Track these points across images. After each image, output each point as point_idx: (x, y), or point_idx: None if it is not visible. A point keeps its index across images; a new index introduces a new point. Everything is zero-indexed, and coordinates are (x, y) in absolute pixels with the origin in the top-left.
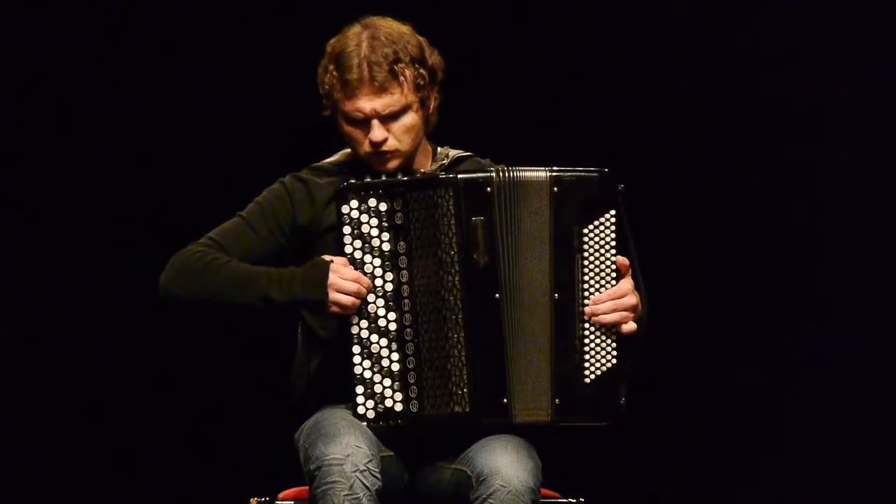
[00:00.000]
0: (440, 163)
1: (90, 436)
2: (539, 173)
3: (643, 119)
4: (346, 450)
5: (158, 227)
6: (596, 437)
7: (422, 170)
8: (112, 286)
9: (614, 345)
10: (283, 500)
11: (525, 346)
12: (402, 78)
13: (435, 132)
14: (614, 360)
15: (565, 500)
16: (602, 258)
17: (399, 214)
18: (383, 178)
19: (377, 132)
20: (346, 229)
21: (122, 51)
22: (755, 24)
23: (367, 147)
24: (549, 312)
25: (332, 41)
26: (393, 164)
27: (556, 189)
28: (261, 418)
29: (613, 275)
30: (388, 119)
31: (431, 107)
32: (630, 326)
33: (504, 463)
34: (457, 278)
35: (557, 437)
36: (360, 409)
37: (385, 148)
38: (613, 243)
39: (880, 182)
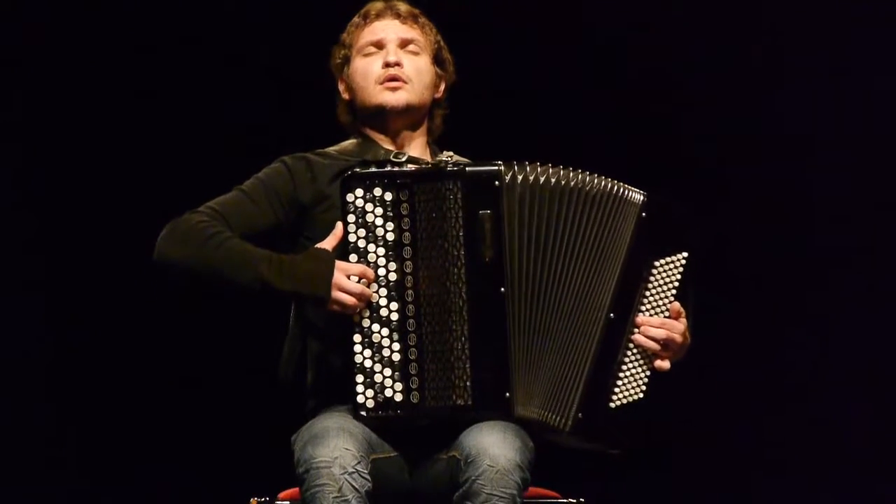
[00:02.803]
0: (444, 159)
1: (90, 436)
2: (634, 194)
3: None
4: (334, 452)
5: (156, 223)
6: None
7: (424, 162)
8: (111, 286)
9: (646, 380)
10: (282, 500)
11: (551, 348)
12: (423, 29)
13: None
14: (640, 395)
15: (565, 500)
16: (662, 295)
17: (405, 205)
18: (388, 167)
19: (392, 55)
20: (351, 217)
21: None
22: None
23: (378, 72)
24: (599, 328)
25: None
26: (400, 97)
27: (644, 214)
28: (261, 418)
29: (666, 313)
30: (404, 47)
31: (441, 89)
32: (664, 364)
33: (490, 442)
34: (462, 271)
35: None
36: (360, 399)
37: (397, 73)
38: (677, 283)
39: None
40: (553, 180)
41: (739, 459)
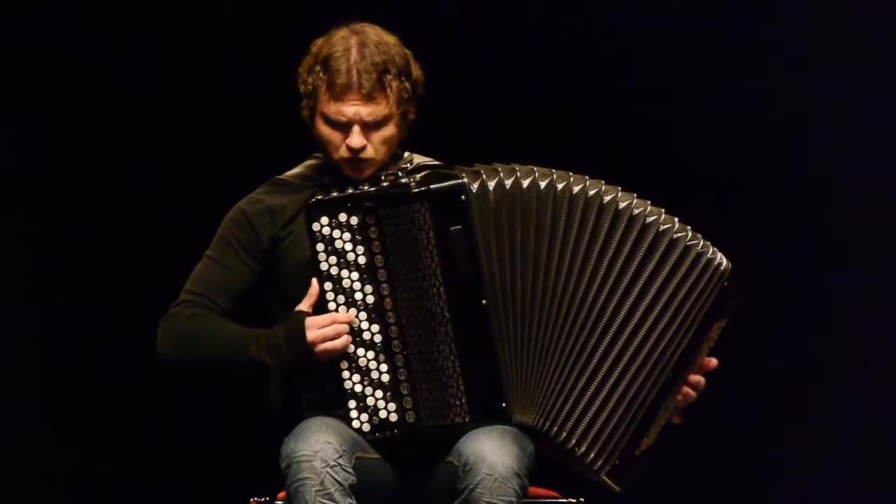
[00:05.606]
0: (403, 167)
1: (89, 437)
2: (724, 261)
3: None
4: (315, 446)
5: (150, 232)
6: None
7: (383, 173)
8: (109, 289)
9: (661, 429)
10: (282, 500)
11: (553, 357)
12: (388, 90)
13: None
14: (654, 442)
15: (565, 501)
16: (704, 352)
17: (373, 228)
18: (350, 190)
19: (357, 139)
20: (320, 246)
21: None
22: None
23: (343, 152)
24: (660, 383)
25: (318, 42)
26: (366, 172)
27: (726, 284)
28: (260, 419)
29: (699, 369)
30: (369, 127)
31: (409, 120)
32: (682, 419)
33: (488, 450)
34: (441, 289)
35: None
36: (356, 424)
37: (362, 155)
38: (712, 345)
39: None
40: (543, 184)
41: (739, 459)
